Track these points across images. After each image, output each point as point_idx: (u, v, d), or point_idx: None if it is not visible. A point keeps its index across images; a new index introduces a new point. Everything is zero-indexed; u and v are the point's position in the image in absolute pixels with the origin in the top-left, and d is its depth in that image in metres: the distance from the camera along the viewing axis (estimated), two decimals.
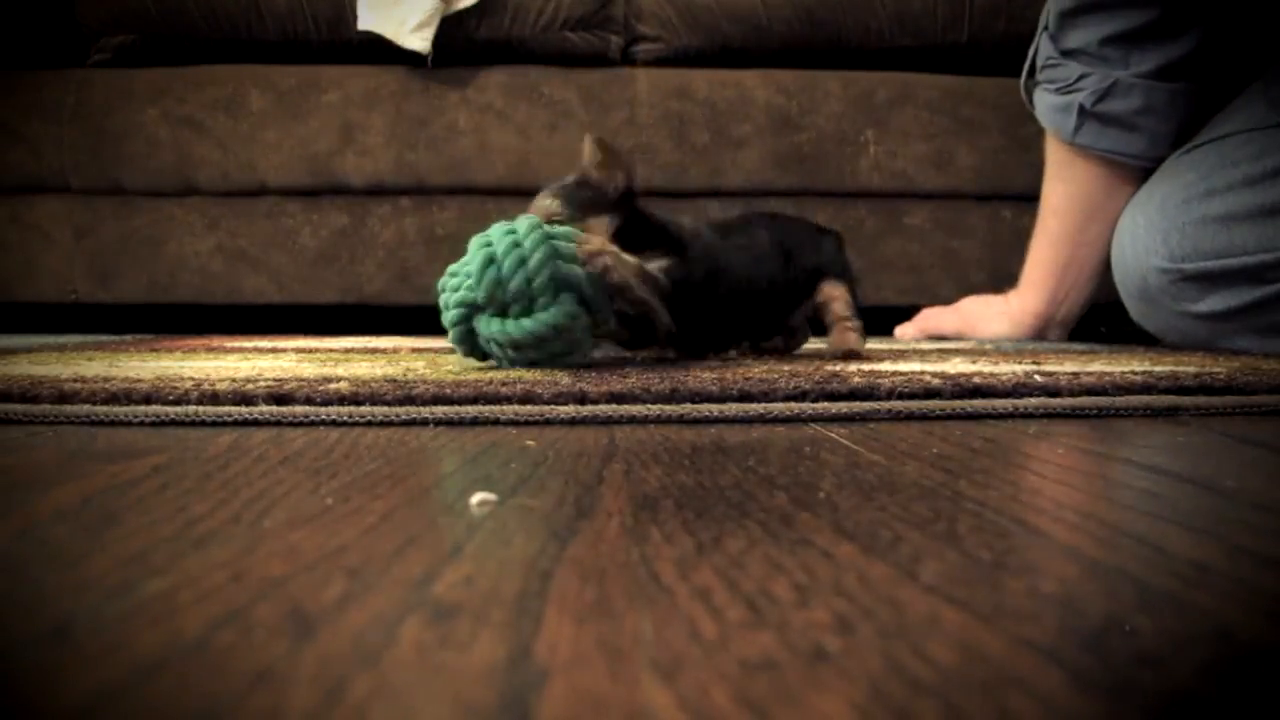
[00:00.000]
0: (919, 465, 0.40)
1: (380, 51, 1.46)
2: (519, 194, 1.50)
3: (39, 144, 1.48)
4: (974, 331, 1.29)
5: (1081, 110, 1.13)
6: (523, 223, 0.69)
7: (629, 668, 0.18)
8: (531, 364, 0.68)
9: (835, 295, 0.90)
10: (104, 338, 1.30)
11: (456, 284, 0.69)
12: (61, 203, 1.50)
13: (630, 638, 0.20)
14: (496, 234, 0.68)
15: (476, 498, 0.32)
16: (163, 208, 1.50)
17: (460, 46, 1.48)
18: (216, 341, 1.18)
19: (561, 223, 0.73)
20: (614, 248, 0.71)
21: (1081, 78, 1.13)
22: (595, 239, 0.71)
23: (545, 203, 0.75)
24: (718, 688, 0.17)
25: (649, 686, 0.17)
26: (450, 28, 1.46)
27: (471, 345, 0.70)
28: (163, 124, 1.48)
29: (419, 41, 1.44)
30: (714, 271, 0.79)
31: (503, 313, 0.67)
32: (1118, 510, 0.34)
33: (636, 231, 0.76)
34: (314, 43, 1.51)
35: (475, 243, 0.69)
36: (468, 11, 1.45)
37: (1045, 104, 1.18)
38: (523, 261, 0.66)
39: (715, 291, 0.79)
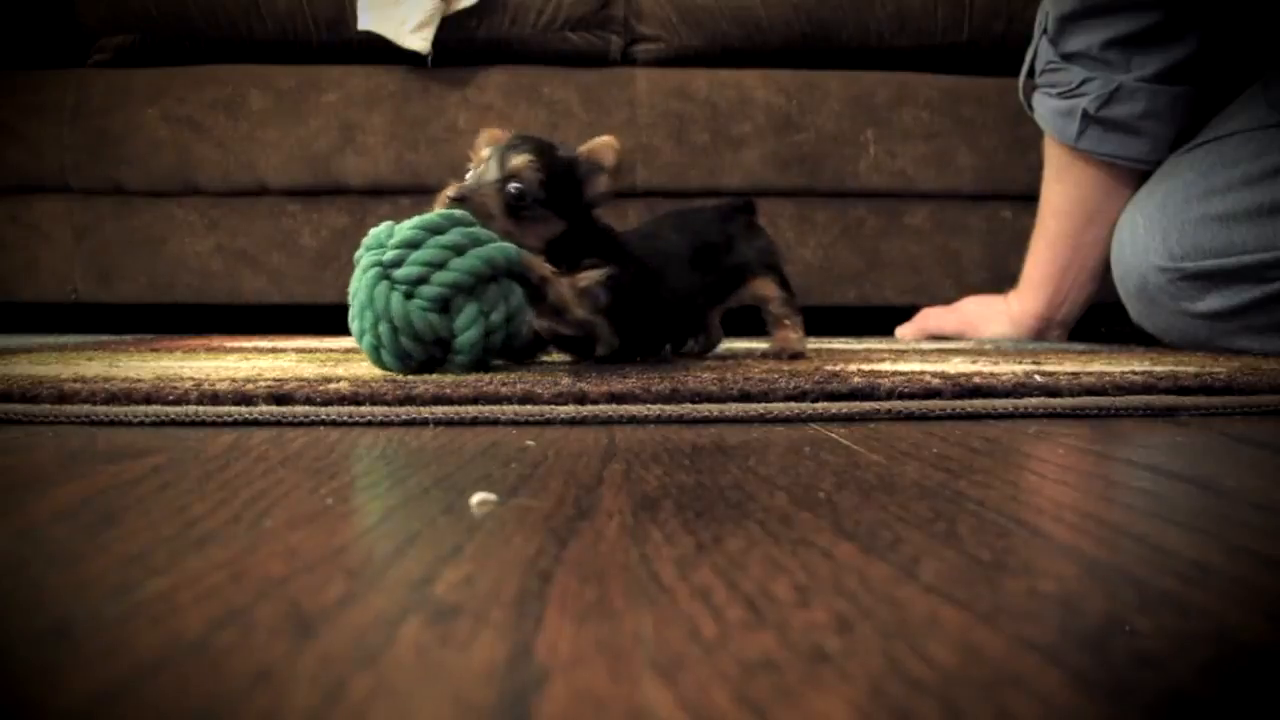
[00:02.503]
0: (919, 465, 0.40)
1: (380, 51, 1.46)
2: None
3: (39, 144, 1.48)
4: (974, 332, 1.29)
5: (1085, 115, 1.13)
6: (360, 277, 0.65)
7: (629, 668, 0.18)
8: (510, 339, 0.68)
9: (770, 294, 0.87)
10: (104, 338, 1.30)
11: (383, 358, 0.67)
12: (61, 203, 1.50)
13: (630, 638, 0.20)
14: (355, 309, 0.66)
15: (476, 498, 0.32)
16: (163, 208, 1.50)
17: (460, 46, 1.48)
18: (216, 341, 1.17)
19: (520, 202, 0.69)
20: (562, 279, 0.69)
21: (1084, 82, 1.13)
22: (538, 263, 0.69)
23: (521, 159, 0.70)
24: (718, 688, 0.17)
25: (649, 686, 0.17)
26: (450, 28, 1.46)
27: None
28: (163, 124, 1.48)
29: (419, 41, 1.44)
30: (646, 276, 0.76)
31: (446, 348, 0.66)
32: (1118, 510, 0.34)
33: (577, 237, 0.73)
34: (314, 43, 1.51)
35: (352, 312, 0.66)
36: (468, 11, 1.45)
37: (1046, 108, 1.18)
38: (397, 325, 0.64)
39: (649, 296, 0.77)
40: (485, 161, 0.71)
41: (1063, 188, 1.20)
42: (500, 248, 0.66)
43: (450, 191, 0.69)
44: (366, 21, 1.44)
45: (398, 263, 0.64)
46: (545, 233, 0.71)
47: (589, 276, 0.71)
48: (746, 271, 0.86)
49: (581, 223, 0.73)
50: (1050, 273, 1.23)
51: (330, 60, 1.51)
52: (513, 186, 0.70)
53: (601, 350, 0.75)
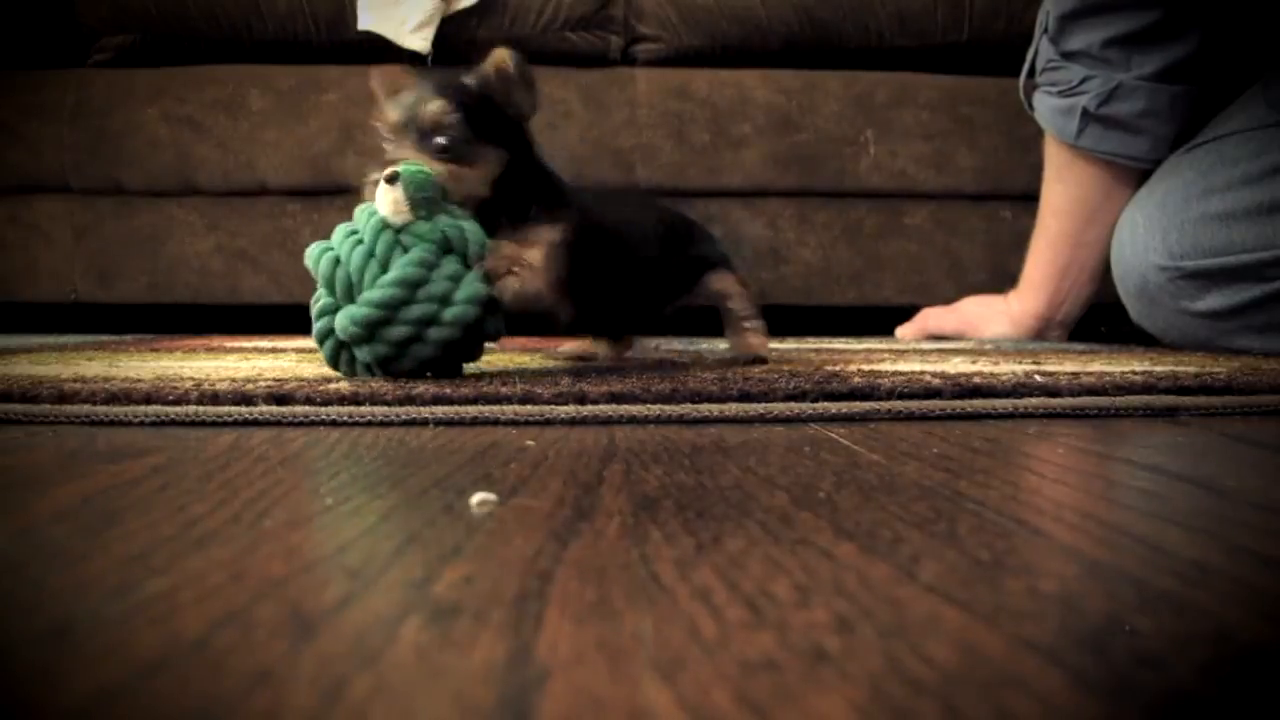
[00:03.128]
0: (919, 465, 0.40)
1: (380, 51, 1.46)
2: None
3: (39, 144, 1.48)
4: (974, 332, 1.29)
5: (1085, 113, 1.13)
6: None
7: (629, 668, 0.18)
8: (423, 362, 0.61)
9: (730, 290, 0.80)
10: (104, 338, 1.30)
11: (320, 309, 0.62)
12: (61, 203, 1.50)
13: (630, 638, 0.20)
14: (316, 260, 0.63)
15: (476, 498, 0.32)
16: (163, 208, 1.50)
17: (460, 46, 1.48)
18: (216, 341, 1.17)
19: (448, 151, 0.63)
20: (526, 257, 0.62)
21: (1084, 80, 1.13)
22: (506, 247, 0.62)
23: (434, 107, 0.64)
24: (718, 688, 0.17)
25: (649, 686, 0.17)
26: (450, 28, 1.46)
27: (350, 363, 0.63)
28: (163, 124, 1.48)
29: (419, 41, 1.44)
30: (598, 233, 0.69)
31: (351, 299, 0.61)
32: (1118, 510, 0.34)
33: (518, 173, 0.66)
34: (314, 43, 1.51)
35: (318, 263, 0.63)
36: (468, 11, 1.45)
37: (1046, 106, 1.18)
38: (360, 241, 0.61)
39: (606, 256, 0.69)
40: (397, 125, 0.65)
41: (1063, 187, 1.20)
42: (460, 315, 0.60)
43: (383, 175, 0.62)
44: (366, 21, 1.44)
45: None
46: (489, 173, 0.66)
47: (540, 239, 0.64)
48: (706, 265, 0.80)
49: (521, 152, 0.68)
50: (1051, 273, 1.23)
51: (330, 60, 1.51)
52: (438, 141, 0.64)
53: (564, 320, 0.69)
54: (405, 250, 0.61)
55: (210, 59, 1.51)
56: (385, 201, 0.61)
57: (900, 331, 1.35)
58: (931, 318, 1.34)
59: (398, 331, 0.59)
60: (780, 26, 1.52)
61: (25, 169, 1.48)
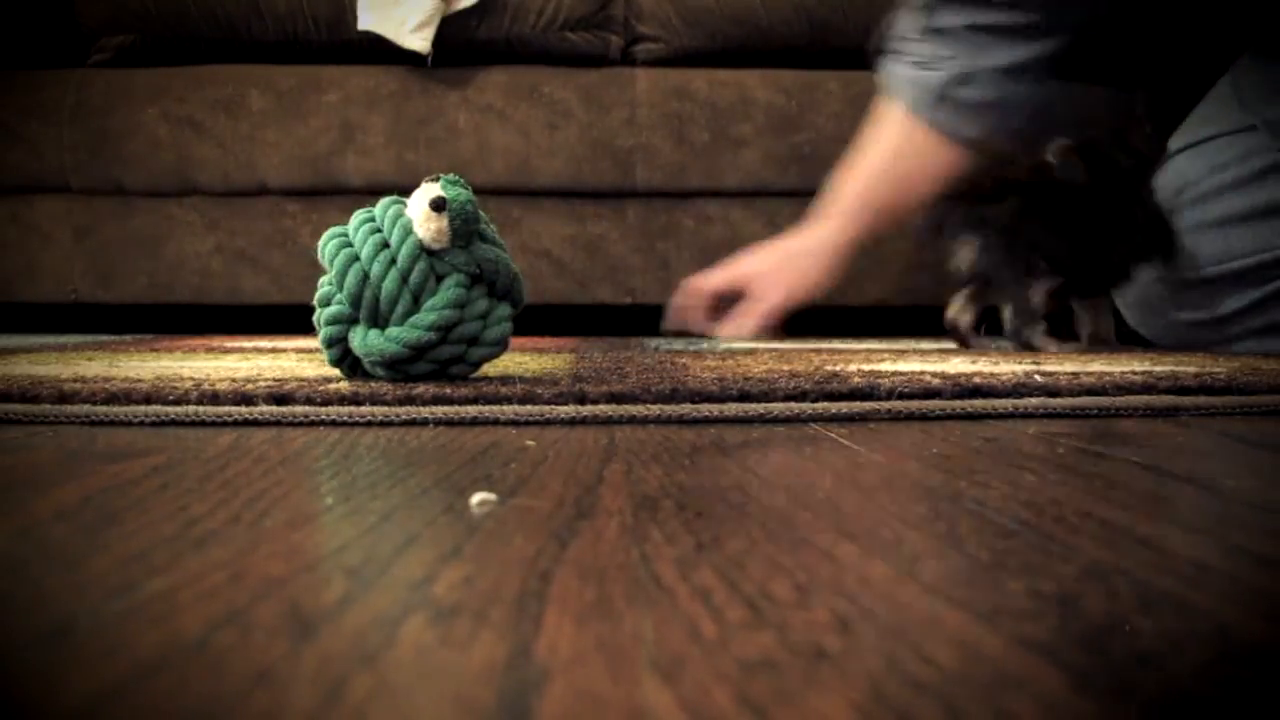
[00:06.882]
0: (919, 465, 0.40)
1: (380, 51, 1.46)
2: (519, 194, 1.50)
3: (39, 144, 1.48)
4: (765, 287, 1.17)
5: (936, 90, 1.10)
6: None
7: (629, 668, 0.18)
8: (427, 375, 0.60)
9: None
10: (104, 338, 1.30)
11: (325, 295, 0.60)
12: (61, 203, 1.50)
13: (630, 638, 0.20)
14: (356, 228, 0.60)
15: (476, 498, 0.32)
16: (163, 208, 1.50)
17: (460, 46, 1.48)
18: (216, 341, 1.17)
19: None
20: None
21: (943, 59, 1.10)
22: None
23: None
24: (718, 688, 0.17)
25: (649, 686, 0.17)
26: (450, 28, 1.46)
27: (353, 367, 0.61)
28: (163, 124, 1.48)
29: (419, 41, 1.44)
30: None
31: (375, 322, 0.58)
32: (1118, 510, 0.34)
33: None
34: (314, 43, 1.51)
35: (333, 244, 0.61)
36: (468, 11, 1.45)
37: (898, 75, 1.13)
38: (393, 261, 0.57)
39: None
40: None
41: (894, 143, 1.13)
42: (484, 356, 0.60)
43: (431, 200, 0.57)
44: (366, 21, 1.44)
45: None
46: None
47: None
48: None
49: None
50: (867, 203, 1.15)
51: (330, 60, 1.51)
52: None
53: None
54: (439, 278, 0.58)
55: (210, 59, 1.51)
56: (428, 228, 0.58)
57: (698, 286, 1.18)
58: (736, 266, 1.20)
59: (420, 368, 0.59)
60: (780, 26, 1.52)
61: (25, 169, 1.48)
